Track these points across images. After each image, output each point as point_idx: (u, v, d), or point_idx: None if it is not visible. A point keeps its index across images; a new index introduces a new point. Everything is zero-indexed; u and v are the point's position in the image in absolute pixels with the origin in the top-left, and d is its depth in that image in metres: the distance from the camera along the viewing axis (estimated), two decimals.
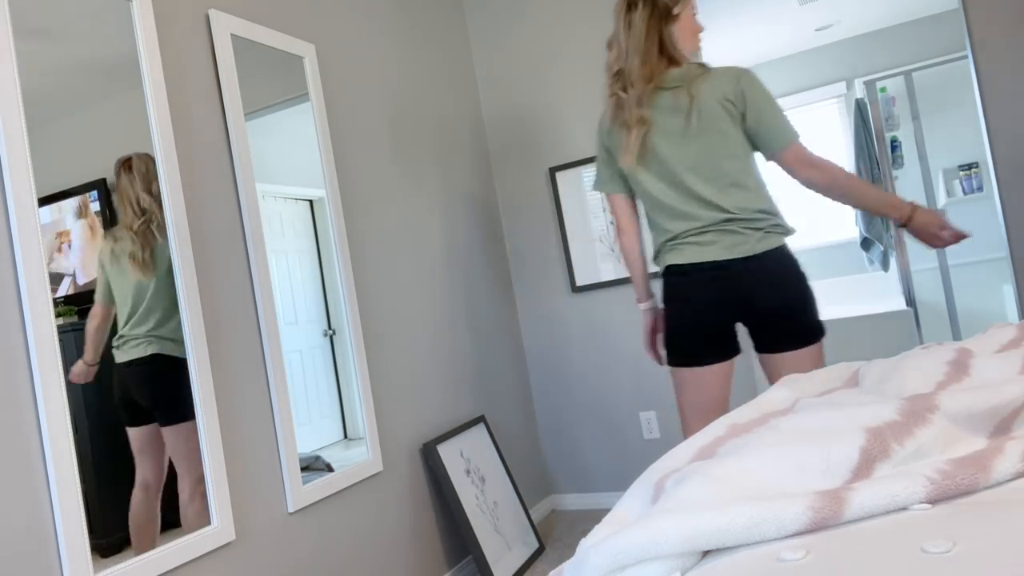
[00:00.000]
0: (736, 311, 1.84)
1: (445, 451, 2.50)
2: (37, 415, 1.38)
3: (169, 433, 1.61)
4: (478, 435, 2.75)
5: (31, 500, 1.35)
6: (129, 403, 1.54)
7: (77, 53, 1.58)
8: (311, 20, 2.34)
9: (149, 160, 1.62)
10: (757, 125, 1.81)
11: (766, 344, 1.84)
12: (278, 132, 2.11)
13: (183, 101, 1.83)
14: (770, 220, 1.82)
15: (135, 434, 1.53)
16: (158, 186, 1.63)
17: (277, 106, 2.13)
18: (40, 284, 1.41)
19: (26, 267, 1.39)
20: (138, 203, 1.58)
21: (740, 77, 1.81)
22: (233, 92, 1.95)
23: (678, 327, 1.89)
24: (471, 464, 2.61)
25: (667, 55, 1.84)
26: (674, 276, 1.89)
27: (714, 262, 1.81)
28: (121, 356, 1.54)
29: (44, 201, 1.46)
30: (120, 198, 1.55)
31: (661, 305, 1.98)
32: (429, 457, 2.45)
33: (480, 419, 2.80)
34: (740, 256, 1.79)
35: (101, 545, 1.44)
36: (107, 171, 1.60)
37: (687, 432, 1.92)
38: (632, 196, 2.01)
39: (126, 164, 1.56)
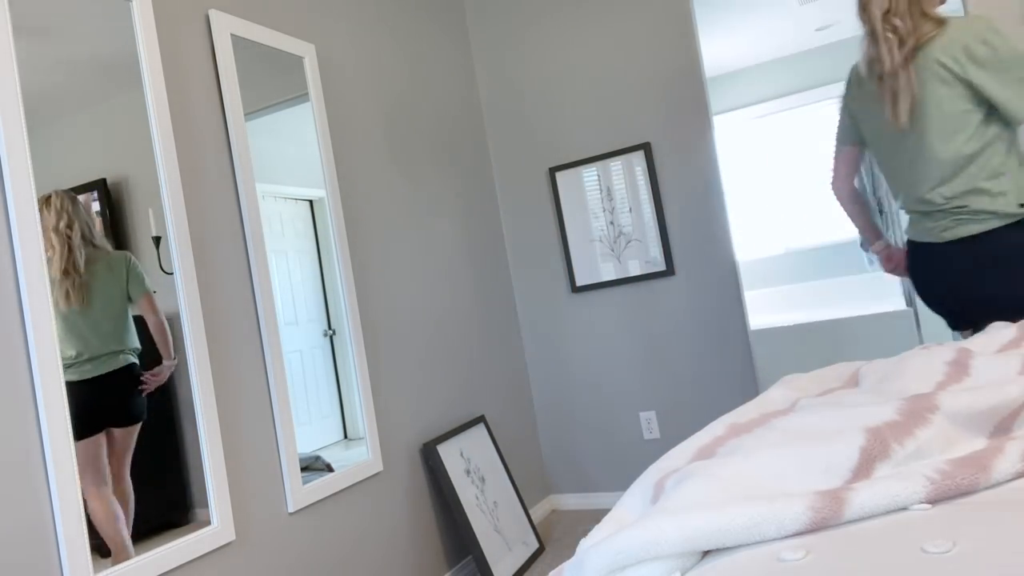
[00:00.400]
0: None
1: (445, 451, 2.50)
2: (37, 415, 1.38)
3: (129, 433, 1.59)
4: (478, 435, 2.75)
5: (31, 500, 1.35)
6: (91, 414, 1.51)
7: (77, 53, 1.58)
8: (311, 20, 2.34)
9: (66, 197, 1.57)
10: (991, 92, 1.59)
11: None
12: (278, 132, 2.11)
13: (183, 101, 1.83)
14: (969, 207, 1.67)
15: (96, 442, 1.49)
16: (79, 224, 1.58)
17: (277, 106, 2.13)
18: (40, 284, 1.40)
19: (26, 267, 1.39)
20: (67, 238, 1.54)
21: (969, 33, 1.61)
22: (233, 92, 1.95)
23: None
24: (471, 464, 2.61)
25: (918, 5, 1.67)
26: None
27: (912, 242, 1.84)
28: (81, 374, 1.51)
29: None
30: (48, 235, 1.51)
31: (893, 244, 1.96)
32: (429, 457, 2.45)
33: (480, 419, 2.80)
34: (929, 241, 1.77)
35: (101, 545, 1.44)
36: (107, 171, 1.60)
37: None
38: (860, 146, 1.97)
39: (46, 202, 1.54)
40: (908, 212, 1.85)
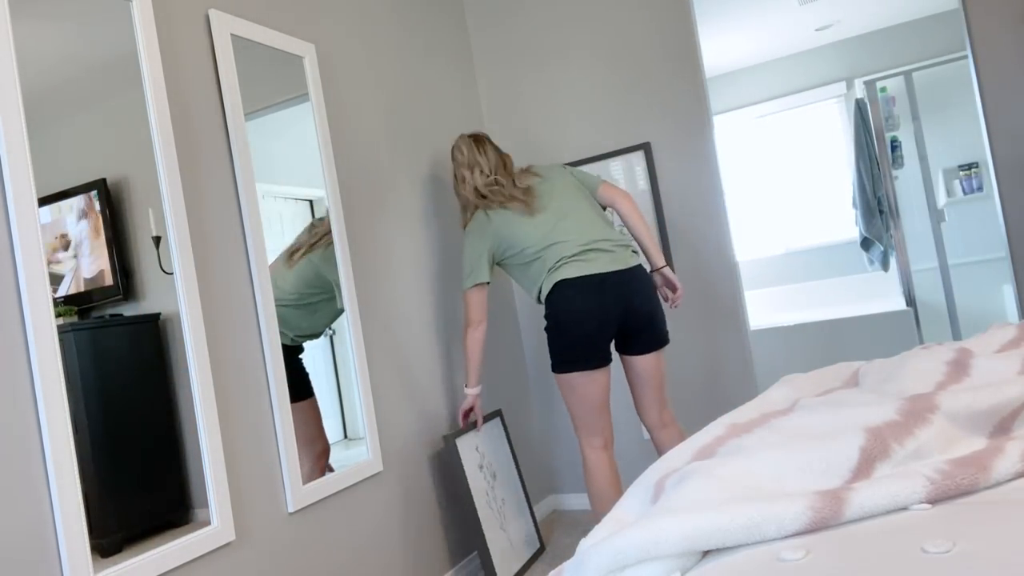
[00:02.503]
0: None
1: (462, 444, 2.51)
2: (37, 415, 1.38)
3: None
4: (494, 430, 2.76)
5: (31, 500, 1.35)
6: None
7: (77, 53, 1.58)
8: (311, 20, 2.34)
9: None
10: None
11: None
12: (278, 132, 2.11)
13: (183, 101, 1.83)
14: None
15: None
16: None
17: (277, 106, 2.13)
18: (40, 284, 1.41)
19: (26, 267, 1.39)
20: None
21: None
22: (233, 92, 1.95)
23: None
24: (485, 460, 2.62)
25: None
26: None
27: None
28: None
29: (44, 201, 1.46)
30: None
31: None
32: (447, 449, 2.46)
33: (497, 413, 2.82)
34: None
35: (101, 545, 1.44)
36: (107, 171, 1.60)
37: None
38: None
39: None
40: None
